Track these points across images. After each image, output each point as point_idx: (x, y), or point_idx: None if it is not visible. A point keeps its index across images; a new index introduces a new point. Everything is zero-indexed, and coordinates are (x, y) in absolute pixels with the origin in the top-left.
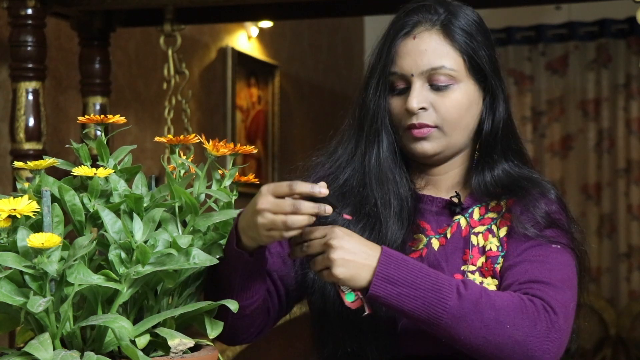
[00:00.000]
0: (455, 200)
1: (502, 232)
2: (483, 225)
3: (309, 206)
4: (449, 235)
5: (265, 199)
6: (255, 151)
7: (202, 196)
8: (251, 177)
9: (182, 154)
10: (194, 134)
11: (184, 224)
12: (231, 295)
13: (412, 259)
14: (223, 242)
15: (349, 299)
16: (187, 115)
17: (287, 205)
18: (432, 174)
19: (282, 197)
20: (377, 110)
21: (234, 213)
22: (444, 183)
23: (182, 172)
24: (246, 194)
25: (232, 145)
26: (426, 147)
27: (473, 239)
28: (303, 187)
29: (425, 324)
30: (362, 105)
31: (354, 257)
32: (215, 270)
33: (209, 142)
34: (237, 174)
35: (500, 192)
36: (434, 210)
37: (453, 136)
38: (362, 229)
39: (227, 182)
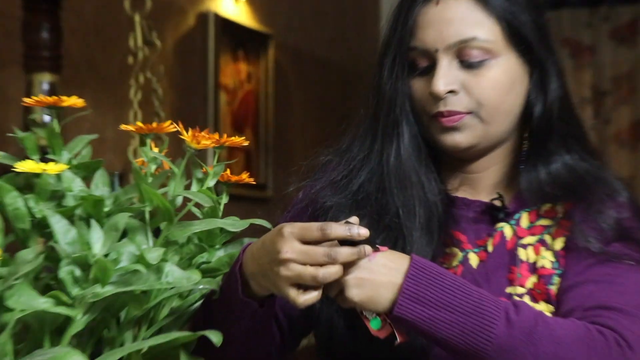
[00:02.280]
0: (498, 203)
1: (558, 244)
2: (533, 235)
3: (346, 254)
4: (490, 249)
5: (291, 245)
6: (245, 143)
7: (179, 199)
8: (245, 177)
9: (153, 145)
10: (169, 121)
11: (156, 234)
12: (230, 347)
13: (450, 273)
14: (207, 256)
15: (374, 326)
16: (158, 97)
17: (321, 255)
18: (467, 172)
19: (311, 242)
20: (394, 96)
21: (219, 222)
22: (483, 182)
23: (154, 168)
24: (237, 197)
25: (216, 135)
26: (458, 138)
27: (521, 252)
28: (339, 230)
29: (463, 356)
30: (376, 90)
31: (370, 274)
32: (208, 311)
33: (187, 132)
34: (225, 171)
35: (560, 194)
36: (471, 216)
37: (492, 124)
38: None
39: (210, 182)
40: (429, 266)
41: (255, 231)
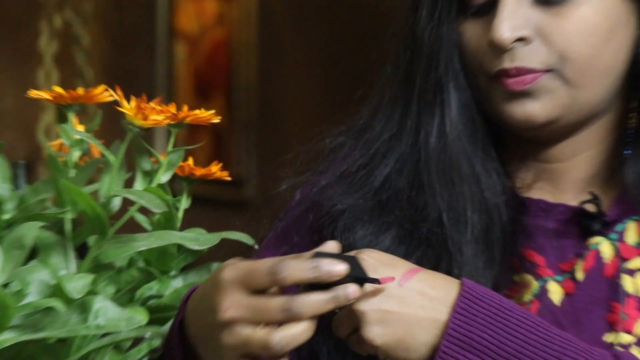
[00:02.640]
0: (591, 208)
1: None
2: None
3: (315, 303)
4: (580, 276)
5: (232, 298)
6: (216, 120)
7: (117, 202)
8: (215, 169)
9: (77, 122)
10: (102, 86)
11: (82, 253)
12: None
13: (518, 307)
14: (158, 288)
15: None
16: (83, 49)
17: (276, 309)
18: (545, 160)
19: (261, 290)
20: (436, 47)
21: (176, 237)
22: (569, 176)
23: (78, 155)
24: (204, 200)
25: (172, 107)
26: (532, 108)
27: (627, 282)
28: (297, 271)
29: None
30: (410, 39)
31: (400, 305)
32: None
33: (128, 102)
34: (187, 161)
35: None
36: (552, 227)
37: (582, 87)
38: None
39: (163, 177)
40: (489, 296)
41: (230, 250)
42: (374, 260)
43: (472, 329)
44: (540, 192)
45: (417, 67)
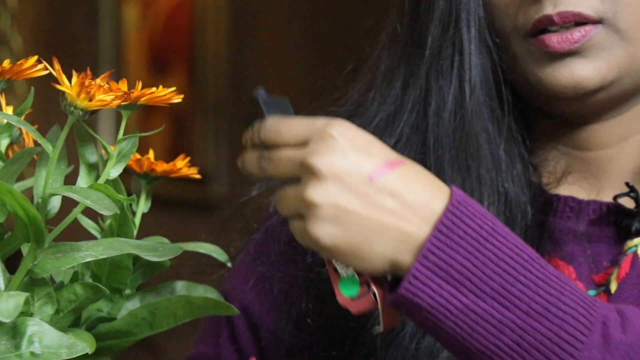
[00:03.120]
0: (628, 203)
1: None
2: None
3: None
4: (614, 288)
5: None
6: (177, 99)
7: (56, 202)
8: (182, 165)
9: (4, 102)
10: (33, 57)
11: (12, 266)
12: None
13: (515, 236)
14: (109, 309)
15: (346, 291)
16: (8, 9)
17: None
18: (584, 147)
19: None
20: None
21: (130, 246)
22: (614, 167)
23: (5, 144)
24: (165, 201)
25: (124, 84)
26: (582, 71)
27: None
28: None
29: None
30: None
31: (363, 206)
32: None
33: (68, 78)
34: (147, 156)
35: None
36: (583, 230)
37: None
38: None
39: (113, 171)
40: (481, 216)
41: (198, 263)
42: (344, 142)
43: (454, 255)
44: (571, 188)
45: (429, 24)
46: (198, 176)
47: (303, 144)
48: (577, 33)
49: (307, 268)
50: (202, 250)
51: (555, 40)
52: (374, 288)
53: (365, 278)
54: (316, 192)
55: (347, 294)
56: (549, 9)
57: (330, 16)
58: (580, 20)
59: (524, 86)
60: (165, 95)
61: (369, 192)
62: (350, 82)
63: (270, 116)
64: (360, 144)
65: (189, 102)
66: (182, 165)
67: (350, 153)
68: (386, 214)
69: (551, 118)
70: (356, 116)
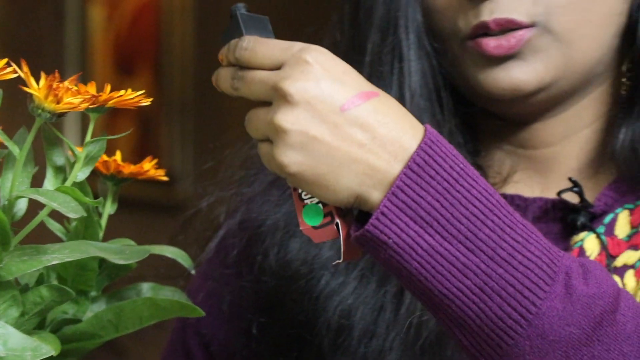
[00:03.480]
0: (573, 198)
1: None
2: (636, 249)
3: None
4: None
5: None
6: (145, 102)
7: (22, 204)
8: (149, 167)
9: None
10: (4, 60)
11: None
12: None
13: (483, 180)
14: (75, 311)
15: (310, 220)
16: None
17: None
18: (529, 145)
19: None
20: (394, 4)
21: (96, 249)
22: (560, 164)
23: None
24: (131, 202)
25: (92, 87)
26: (520, 73)
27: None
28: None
29: (463, 332)
30: None
31: (333, 136)
32: None
33: (37, 81)
34: (113, 157)
35: None
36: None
37: (575, 44)
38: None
39: (80, 173)
40: (453, 156)
41: (165, 265)
42: (319, 69)
43: (424, 194)
44: (516, 186)
45: (368, 31)
46: (165, 178)
47: (278, 67)
48: (513, 39)
49: (254, 279)
50: (168, 254)
51: (492, 45)
52: (337, 219)
53: (330, 208)
54: (286, 118)
55: (310, 222)
56: (486, 15)
57: (294, 18)
58: (514, 27)
59: (465, 89)
60: (133, 98)
61: (339, 123)
62: None
63: (248, 34)
64: (336, 72)
65: (155, 103)
66: (149, 167)
67: (324, 81)
68: (355, 146)
69: (495, 119)
70: None
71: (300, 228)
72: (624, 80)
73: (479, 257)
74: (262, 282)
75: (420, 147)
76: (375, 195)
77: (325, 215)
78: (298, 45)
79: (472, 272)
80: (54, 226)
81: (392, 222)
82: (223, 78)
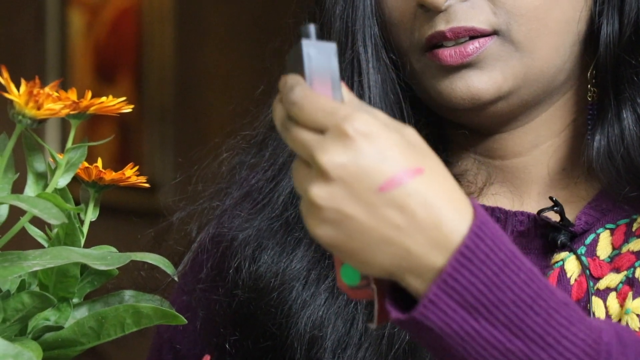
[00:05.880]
0: (553, 216)
1: None
2: (619, 271)
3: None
4: None
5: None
6: (127, 109)
7: (4, 210)
8: (130, 173)
9: None
10: None
11: None
12: None
13: (528, 262)
14: (57, 318)
15: (347, 279)
16: None
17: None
18: (500, 155)
19: None
20: (351, 18)
21: (78, 254)
22: (532, 174)
23: None
24: (113, 209)
25: (73, 93)
26: (477, 82)
27: (597, 306)
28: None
29: None
30: (317, 12)
31: (368, 216)
32: None
33: (17, 87)
34: (94, 164)
35: None
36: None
37: (536, 52)
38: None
39: (61, 180)
40: (500, 241)
41: (147, 271)
42: (361, 143)
43: (474, 280)
44: (495, 198)
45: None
46: (147, 185)
47: (321, 131)
48: (471, 46)
49: (227, 294)
50: (149, 261)
51: (447, 54)
52: (373, 285)
53: (368, 278)
54: (320, 194)
55: (347, 281)
56: (441, 26)
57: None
58: (475, 35)
59: (428, 100)
60: (115, 105)
61: (376, 203)
62: (262, 105)
63: (309, 70)
64: (379, 146)
65: (135, 110)
66: (130, 174)
67: (363, 158)
68: (390, 228)
69: (463, 129)
70: (268, 143)
71: (337, 285)
72: (590, 87)
73: (524, 342)
74: (234, 297)
75: (471, 231)
76: (411, 279)
77: (362, 278)
78: (343, 112)
79: (516, 356)
80: (35, 232)
81: (439, 309)
82: (276, 117)
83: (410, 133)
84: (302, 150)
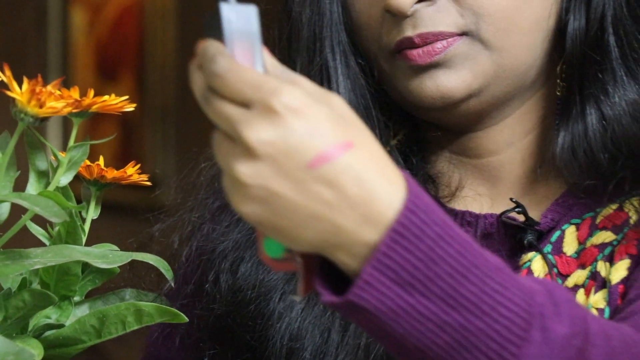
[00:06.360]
0: (518, 216)
1: (620, 270)
2: (584, 267)
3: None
4: None
5: None
6: (130, 108)
7: (5, 208)
8: (132, 171)
9: None
10: None
11: None
12: None
13: (466, 236)
14: (58, 316)
15: (271, 252)
16: None
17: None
18: (474, 154)
19: None
20: (319, 24)
21: (79, 253)
22: (506, 173)
23: None
24: (114, 207)
25: (75, 91)
26: (446, 81)
27: None
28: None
29: None
30: (286, 15)
31: (297, 193)
32: None
33: (19, 85)
34: (96, 162)
35: (632, 169)
36: (480, 244)
37: (505, 50)
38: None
39: (63, 178)
40: (435, 216)
41: (149, 269)
42: (288, 118)
43: (409, 257)
44: (465, 201)
45: (297, 52)
46: (148, 183)
47: (246, 105)
48: (439, 44)
49: (206, 307)
50: (150, 262)
51: (416, 53)
52: (299, 258)
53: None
54: (246, 171)
55: (270, 254)
56: (408, 32)
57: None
58: (443, 38)
59: (400, 102)
60: (117, 103)
61: (305, 179)
62: None
63: (229, 35)
64: (308, 121)
65: (136, 108)
66: (132, 172)
67: (291, 134)
68: (320, 205)
69: (438, 129)
70: None
71: (260, 257)
72: (558, 81)
73: (459, 312)
74: (213, 310)
75: (405, 206)
76: (342, 255)
77: (286, 251)
78: (269, 85)
79: (452, 327)
80: (37, 230)
81: (374, 288)
82: (196, 87)
83: (339, 104)
84: (226, 125)
